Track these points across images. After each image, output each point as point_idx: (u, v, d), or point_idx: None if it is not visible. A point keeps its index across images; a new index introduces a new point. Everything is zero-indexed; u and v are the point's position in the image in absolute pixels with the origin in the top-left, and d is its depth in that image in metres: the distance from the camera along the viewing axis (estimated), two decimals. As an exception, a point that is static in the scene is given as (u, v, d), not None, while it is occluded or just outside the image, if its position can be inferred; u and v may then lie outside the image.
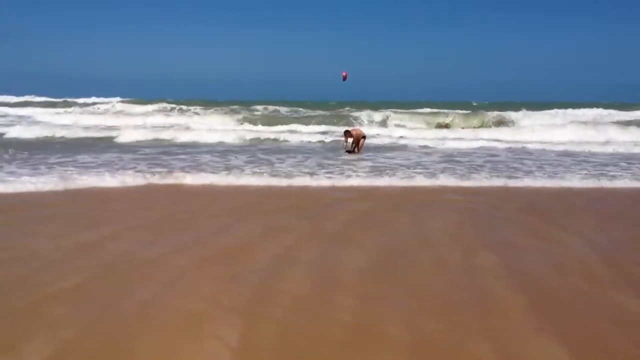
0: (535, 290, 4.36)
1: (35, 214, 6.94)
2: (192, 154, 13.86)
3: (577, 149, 16.45)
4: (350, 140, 14.64)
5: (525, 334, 3.54)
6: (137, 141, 17.46)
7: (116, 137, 18.23)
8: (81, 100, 40.79)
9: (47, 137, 18.68)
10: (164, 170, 10.51)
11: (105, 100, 39.12)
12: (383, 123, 25.20)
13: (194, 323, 3.62)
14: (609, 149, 16.26)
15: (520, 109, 27.40)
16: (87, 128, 21.87)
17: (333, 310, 3.90)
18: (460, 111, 28.68)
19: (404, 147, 16.67)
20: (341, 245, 5.60)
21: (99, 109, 31.41)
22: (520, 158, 13.94)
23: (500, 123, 24.90)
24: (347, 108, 31.27)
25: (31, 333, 3.44)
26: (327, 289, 4.34)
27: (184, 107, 30.85)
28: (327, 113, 28.18)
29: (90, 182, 9.03)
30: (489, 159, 13.57)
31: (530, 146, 17.03)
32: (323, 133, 20.50)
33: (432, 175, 10.59)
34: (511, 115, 25.71)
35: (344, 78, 15.92)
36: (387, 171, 11.08)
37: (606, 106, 31.66)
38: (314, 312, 3.89)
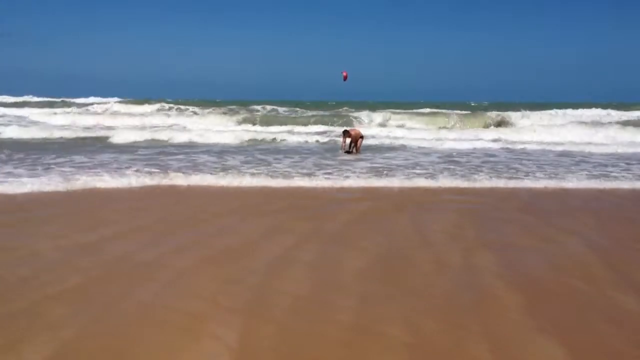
0: (535, 290, 4.37)
1: (35, 214, 6.93)
2: (189, 154, 13.86)
3: (576, 149, 16.49)
4: (348, 140, 14.64)
5: (524, 334, 3.55)
6: (134, 142, 17.42)
7: (112, 137, 18.11)
8: (80, 101, 40.70)
9: (43, 137, 18.55)
10: (162, 171, 10.50)
11: (104, 100, 39.05)
12: (382, 123, 25.22)
13: (194, 323, 3.62)
14: (608, 149, 16.31)
15: (519, 109, 27.46)
16: (84, 128, 21.81)
17: (332, 310, 3.91)
18: (459, 111, 28.73)
19: (402, 147, 16.69)
20: (341, 246, 5.61)
21: (95, 109, 31.17)
22: (520, 158, 13.96)
23: (499, 123, 24.96)
24: (345, 108, 31.31)
25: (31, 333, 3.44)
26: (326, 289, 4.35)
27: (182, 107, 30.81)
28: (325, 113, 28.20)
29: (89, 182, 9.02)
30: (488, 159, 13.59)
31: (529, 146, 17.07)
32: (321, 133, 20.52)
33: (431, 175, 10.60)
34: (510, 115, 25.77)
35: (345, 78, 15.93)
36: (386, 171, 11.09)
37: (605, 106, 31.74)
38: (314, 312, 3.90)
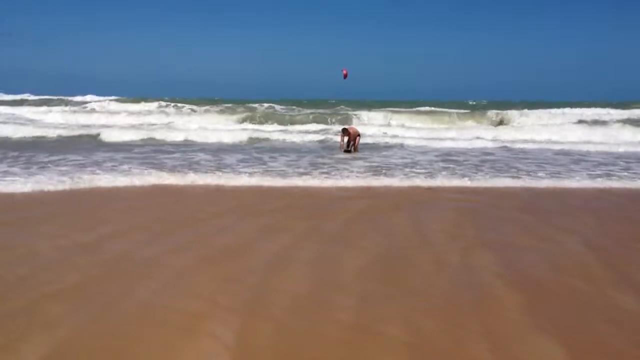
0: (534, 289, 4.37)
1: (33, 213, 6.91)
2: (186, 152, 13.83)
3: (576, 148, 16.50)
4: (346, 138, 14.61)
5: (524, 334, 3.54)
6: (130, 140, 17.35)
7: (108, 135, 17.96)
8: (77, 99, 40.56)
9: (37, 136, 18.40)
10: (159, 169, 10.48)
11: (101, 98, 38.89)
12: (381, 122, 25.20)
13: (193, 322, 3.61)
14: (608, 148, 16.31)
15: (519, 108, 27.45)
16: (79, 126, 21.71)
17: (332, 309, 3.90)
18: (458, 110, 28.71)
19: (401, 146, 16.67)
20: (340, 245, 5.60)
21: (92, 107, 31.03)
22: (519, 157, 13.96)
23: (498, 122, 24.97)
24: (341, 106, 31.28)
25: (29, 332, 3.43)
26: (325, 288, 4.34)
27: (179, 105, 30.71)
28: (324, 111, 28.15)
29: (87, 181, 9.00)
30: (487, 158, 13.58)
31: (528, 145, 17.07)
32: (319, 132, 20.49)
33: (430, 174, 10.59)
34: (509, 114, 25.77)
35: (345, 76, 15.91)
36: (385, 170, 11.07)
37: (604, 105, 31.70)
38: (313, 311, 3.89)
